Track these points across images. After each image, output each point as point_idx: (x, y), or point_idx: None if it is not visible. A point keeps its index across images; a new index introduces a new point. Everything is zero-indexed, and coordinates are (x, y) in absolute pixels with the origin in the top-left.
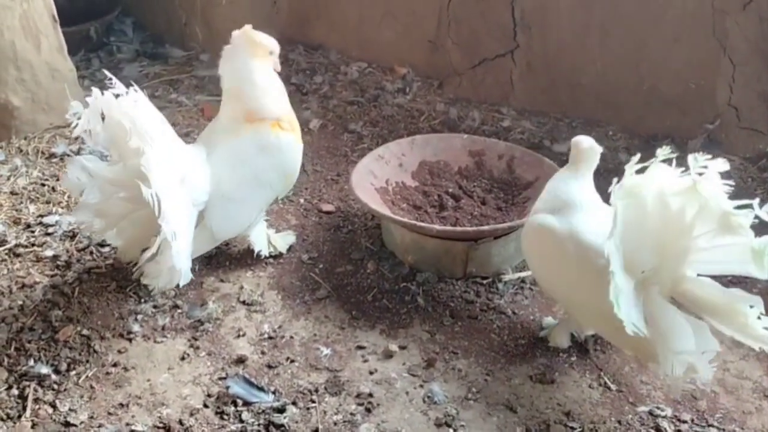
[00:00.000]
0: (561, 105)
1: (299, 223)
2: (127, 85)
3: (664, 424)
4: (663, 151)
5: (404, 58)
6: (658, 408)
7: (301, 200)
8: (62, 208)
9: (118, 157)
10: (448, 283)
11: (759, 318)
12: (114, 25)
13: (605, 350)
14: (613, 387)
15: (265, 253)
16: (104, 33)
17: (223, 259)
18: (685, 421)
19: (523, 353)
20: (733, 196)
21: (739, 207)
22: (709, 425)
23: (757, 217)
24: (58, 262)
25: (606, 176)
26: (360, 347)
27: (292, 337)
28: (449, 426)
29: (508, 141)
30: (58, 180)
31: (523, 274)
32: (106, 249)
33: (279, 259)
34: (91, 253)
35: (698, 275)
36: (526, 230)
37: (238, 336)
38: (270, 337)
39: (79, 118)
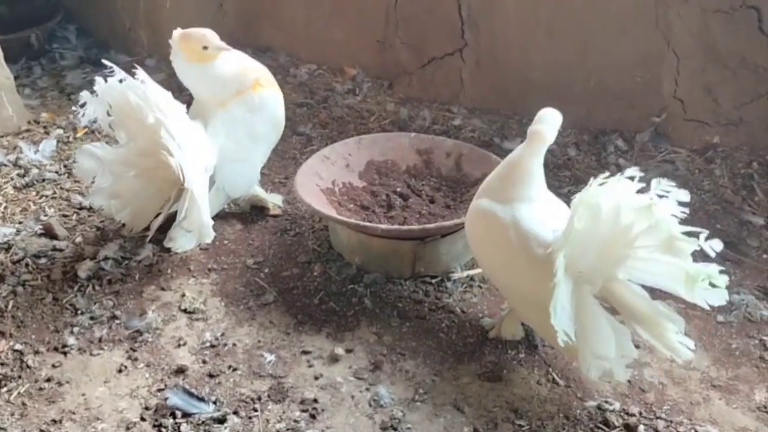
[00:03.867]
0: (511, 102)
1: (244, 228)
2: (69, 94)
3: (612, 418)
4: (630, 171)
5: (354, 58)
6: (606, 402)
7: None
8: None
9: (128, 138)
10: (396, 283)
11: (676, 333)
12: (56, 32)
13: (554, 346)
14: (561, 382)
15: (277, 202)
16: (46, 40)
17: (164, 266)
18: (633, 414)
19: (471, 352)
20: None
21: (687, 233)
22: (657, 417)
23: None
24: None
25: (556, 172)
26: (305, 352)
27: (235, 345)
28: (395, 429)
29: (459, 139)
30: None
31: (472, 272)
32: (42, 260)
33: (223, 265)
34: (27, 265)
35: (629, 280)
36: (470, 214)
37: (179, 345)
38: (212, 346)
39: (83, 106)
